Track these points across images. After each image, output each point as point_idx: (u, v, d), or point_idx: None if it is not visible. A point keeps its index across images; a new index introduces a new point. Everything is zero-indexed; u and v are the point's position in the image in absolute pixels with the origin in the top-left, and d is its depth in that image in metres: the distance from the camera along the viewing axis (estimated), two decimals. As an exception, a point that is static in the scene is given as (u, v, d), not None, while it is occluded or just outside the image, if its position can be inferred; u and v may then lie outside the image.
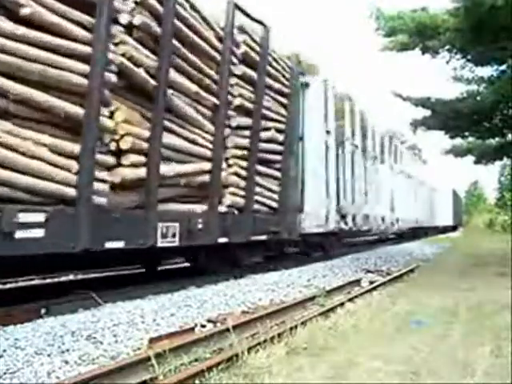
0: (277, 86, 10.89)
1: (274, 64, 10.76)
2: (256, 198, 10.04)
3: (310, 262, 12.94)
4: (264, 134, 10.32)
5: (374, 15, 13.16)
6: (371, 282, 9.72)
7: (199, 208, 8.35)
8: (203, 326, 5.76)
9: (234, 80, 9.23)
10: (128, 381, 3.89)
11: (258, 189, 10.12)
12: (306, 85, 12.93)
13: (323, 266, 12.36)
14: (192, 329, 5.60)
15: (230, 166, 9.26)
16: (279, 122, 11.08)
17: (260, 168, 10.25)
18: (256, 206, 10.05)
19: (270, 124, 10.64)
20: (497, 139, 18.65)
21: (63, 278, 9.30)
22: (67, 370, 4.13)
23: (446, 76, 16.22)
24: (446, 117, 15.47)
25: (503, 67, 14.83)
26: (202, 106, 8.48)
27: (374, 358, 4.54)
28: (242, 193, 9.52)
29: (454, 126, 16.03)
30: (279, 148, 11.12)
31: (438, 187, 37.48)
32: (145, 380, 3.95)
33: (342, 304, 7.17)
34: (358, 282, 9.79)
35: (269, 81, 10.47)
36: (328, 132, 14.52)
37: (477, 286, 9.03)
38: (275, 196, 10.93)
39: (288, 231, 11.38)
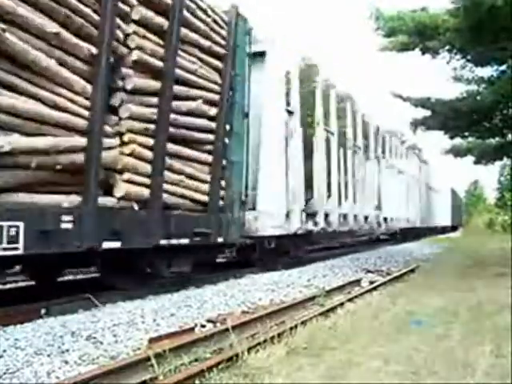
0: (205, 43, 8.37)
1: (200, 14, 8.23)
2: (171, 188, 7.64)
3: (310, 262, 12.94)
4: (183, 104, 7.86)
5: (373, 16, 13.17)
6: (371, 282, 9.73)
7: (67, 200, 6.01)
8: (203, 326, 5.76)
9: (130, 27, 6.90)
10: (128, 381, 3.90)
11: (174, 176, 7.71)
12: (261, 54, 10.76)
13: (323, 266, 12.38)
14: (192, 329, 5.60)
15: (124, 143, 6.82)
16: (210, 90, 8.56)
17: (178, 149, 7.83)
18: (172, 199, 7.69)
19: (195, 92, 8.17)
20: (497, 139, 18.67)
21: (63, 278, 9.29)
22: (67, 369, 4.14)
23: (446, 76, 16.26)
24: (445, 117, 15.48)
25: (503, 67, 14.85)
26: (70, 55, 6.05)
27: (374, 357, 4.54)
28: (146, 180, 7.12)
29: (454, 125, 16.04)
30: (210, 125, 8.57)
31: (435, 185, 35.18)
32: (145, 380, 3.96)
33: (341, 304, 7.17)
34: (358, 282, 9.79)
35: (191, 35, 8.00)
36: (290, 113, 12.17)
37: (477, 286, 9.03)
38: (205, 187, 8.44)
39: (226, 233, 8.92)
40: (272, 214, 10.80)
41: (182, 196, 7.98)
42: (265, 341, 4.86)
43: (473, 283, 9.36)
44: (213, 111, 8.57)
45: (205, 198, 8.43)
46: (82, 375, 3.88)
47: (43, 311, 6.06)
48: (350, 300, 7.55)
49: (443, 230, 38.52)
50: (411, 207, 26.24)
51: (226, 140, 9.04)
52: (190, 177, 8.13)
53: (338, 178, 15.58)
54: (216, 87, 8.73)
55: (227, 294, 7.75)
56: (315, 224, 13.28)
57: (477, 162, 21.87)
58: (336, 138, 15.49)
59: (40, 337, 4.94)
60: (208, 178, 8.54)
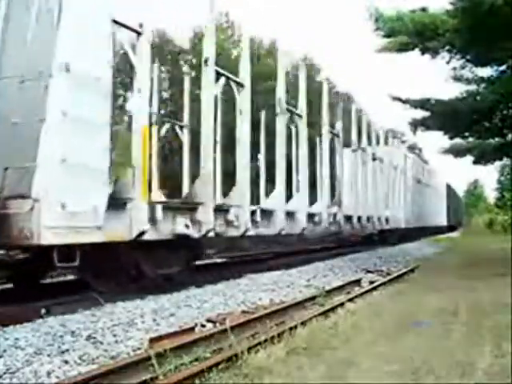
0: None
1: None
2: None
3: (310, 261, 12.93)
4: None
5: (373, 16, 13.18)
6: (371, 282, 9.72)
7: None
8: (203, 326, 5.76)
9: None
10: (128, 381, 3.90)
11: None
12: None
13: (323, 266, 12.35)
14: (192, 329, 5.60)
15: None
16: None
17: None
18: None
19: None
20: (496, 139, 18.69)
21: (63, 278, 9.29)
22: (67, 369, 4.14)
23: (446, 76, 16.28)
24: (445, 117, 15.50)
25: (503, 67, 14.88)
26: None
27: (374, 357, 4.54)
28: None
29: (454, 126, 16.06)
30: None
31: (427, 179, 29.94)
32: (145, 380, 3.96)
33: (342, 304, 7.17)
34: (358, 282, 9.79)
35: None
36: (134, 32, 7.15)
37: (477, 286, 9.03)
38: None
39: None
40: (67, 205, 5.83)
41: None
42: (265, 341, 4.87)
43: (473, 283, 9.36)
44: None
45: None
46: (82, 375, 3.89)
47: (43, 311, 6.07)
48: (350, 300, 7.54)
49: (437, 230, 33.00)
50: (393, 204, 21.27)
51: None
52: None
53: (251, 156, 10.36)
54: None
55: (227, 294, 7.74)
56: (194, 224, 8.18)
57: (476, 162, 21.90)
58: (249, 93, 9.77)
59: (40, 337, 4.94)
60: None
